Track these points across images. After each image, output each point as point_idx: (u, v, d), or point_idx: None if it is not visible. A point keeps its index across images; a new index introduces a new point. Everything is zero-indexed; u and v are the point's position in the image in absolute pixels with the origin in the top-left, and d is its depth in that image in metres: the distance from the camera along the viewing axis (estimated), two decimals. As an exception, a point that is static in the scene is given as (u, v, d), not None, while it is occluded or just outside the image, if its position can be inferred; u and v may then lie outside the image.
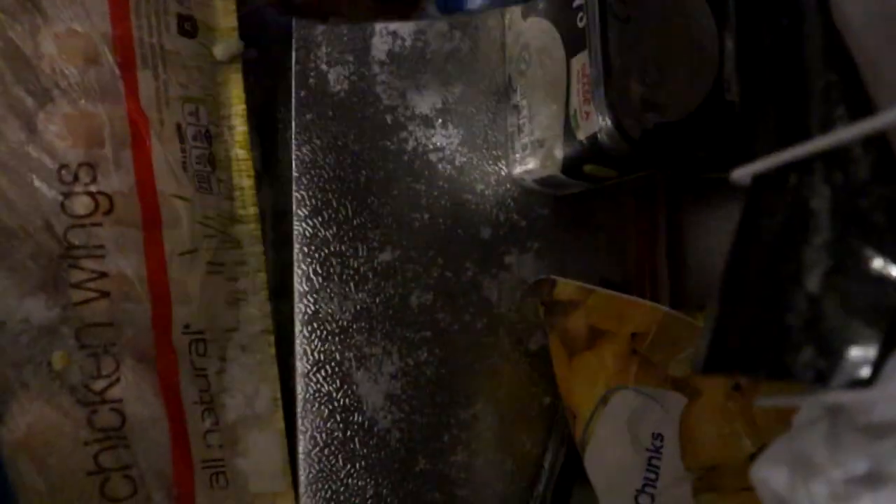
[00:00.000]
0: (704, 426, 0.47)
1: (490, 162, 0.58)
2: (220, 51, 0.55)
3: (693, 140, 0.47)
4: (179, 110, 0.53)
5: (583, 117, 0.49)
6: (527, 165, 0.55)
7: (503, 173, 0.58)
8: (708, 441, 0.47)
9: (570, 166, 0.51)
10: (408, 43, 0.57)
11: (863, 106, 0.25)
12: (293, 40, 0.55)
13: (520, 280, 0.58)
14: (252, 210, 0.55)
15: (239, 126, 0.56)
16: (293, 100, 0.55)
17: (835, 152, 0.25)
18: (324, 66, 0.55)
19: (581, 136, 0.49)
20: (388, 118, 0.56)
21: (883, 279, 0.25)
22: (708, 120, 0.48)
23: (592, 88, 0.47)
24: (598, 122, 0.47)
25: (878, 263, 0.25)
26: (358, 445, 0.55)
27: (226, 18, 0.56)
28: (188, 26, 0.54)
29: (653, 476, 0.48)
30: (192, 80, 0.54)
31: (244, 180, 0.55)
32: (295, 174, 0.55)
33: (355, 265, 0.55)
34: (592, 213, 0.60)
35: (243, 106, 0.56)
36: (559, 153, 0.51)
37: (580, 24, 0.49)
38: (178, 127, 0.52)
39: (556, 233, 0.59)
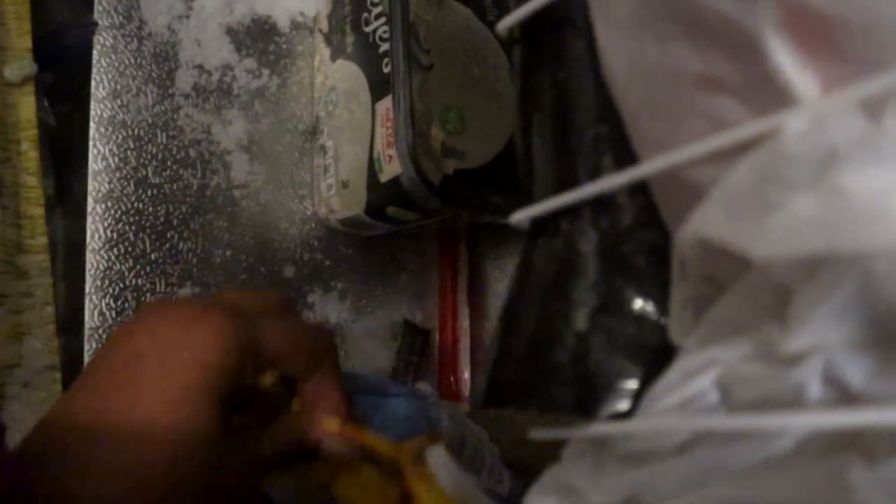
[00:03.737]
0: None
1: (295, 200, 0.58)
2: (11, 72, 0.52)
3: (491, 186, 0.49)
4: (-38, 132, 0.49)
5: (386, 160, 0.50)
6: (331, 206, 0.56)
7: (308, 212, 0.58)
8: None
9: (374, 208, 0.52)
10: (214, 77, 0.56)
11: (628, 157, 0.27)
12: (92, 65, 0.53)
13: (323, 319, 0.58)
14: (41, 240, 0.52)
15: (30, 151, 0.53)
16: (90, 128, 0.53)
17: (602, 199, 0.27)
18: (125, 95, 0.54)
19: (384, 178, 0.50)
20: (192, 152, 0.55)
21: (643, 318, 0.26)
22: (506, 167, 0.50)
23: (395, 133, 0.48)
24: (400, 167, 0.48)
25: (639, 304, 0.27)
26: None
27: (20, 39, 0.53)
28: (-23, 45, 0.51)
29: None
30: (-21, 101, 0.51)
31: (33, 208, 0.52)
32: (90, 204, 0.52)
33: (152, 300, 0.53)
34: (396, 254, 0.61)
35: (35, 131, 0.53)
36: (363, 195, 0.52)
37: (386, 70, 0.50)
38: (-39, 149, 0.49)
39: (360, 273, 0.59)
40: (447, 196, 0.48)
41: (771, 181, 0.21)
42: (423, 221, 0.53)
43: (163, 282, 0.54)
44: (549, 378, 0.26)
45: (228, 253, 0.55)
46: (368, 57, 0.52)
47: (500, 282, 0.64)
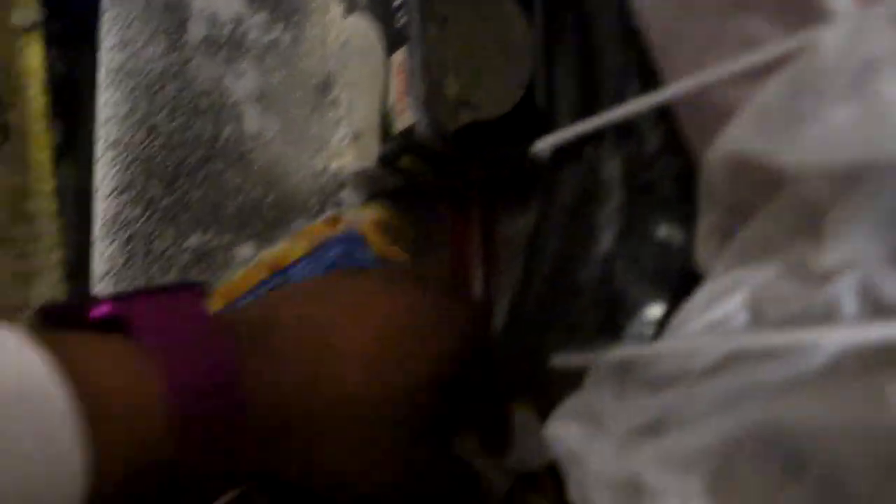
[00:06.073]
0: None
1: (307, 154, 0.57)
2: (18, 17, 0.51)
3: (506, 139, 0.49)
4: (-28, 77, 0.49)
5: (399, 111, 0.49)
6: (344, 158, 0.55)
7: (320, 165, 0.58)
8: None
9: (387, 159, 0.52)
10: (226, 30, 0.56)
11: (654, 83, 0.26)
12: (102, 14, 0.53)
13: (332, 273, 0.57)
14: (49, 185, 0.52)
15: (37, 97, 0.52)
16: (100, 75, 0.52)
17: (626, 125, 0.27)
18: (135, 43, 0.53)
19: (397, 129, 0.49)
20: (204, 102, 0.55)
21: (668, 244, 0.26)
22: (521, 120, 0.49)
23: (409, 84, 0.47)
24: (413, 117, 0.47)
25: (663, 230, 0.26)
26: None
27: (28, -16, 0.53)
28: (-15, -10, 0.51)
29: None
30: (-14, 46, 0.50)
31: (41, 153, 0.52)
32: (99, 151, 0.52)
33: (161, 248, 0.53)
34: (408, 212, 0.61)
35: (43, 76, 0.53)
36: (375, 146, 0.52)
37: (400, 23, 0.50)
38: (-31, 95, 0.49)
39: (370, 228, 0.59)
40: (461, 147, 0.47)
41: (806, 94, 0.21)
42: (437, 180, 0.53)
43: (172, 230, 0.53)
44: (573, 300, 0.26)
45: (239, 203, 0.55)
46: (382, 10, 0.52)
47: (514, 245, 0.63)
